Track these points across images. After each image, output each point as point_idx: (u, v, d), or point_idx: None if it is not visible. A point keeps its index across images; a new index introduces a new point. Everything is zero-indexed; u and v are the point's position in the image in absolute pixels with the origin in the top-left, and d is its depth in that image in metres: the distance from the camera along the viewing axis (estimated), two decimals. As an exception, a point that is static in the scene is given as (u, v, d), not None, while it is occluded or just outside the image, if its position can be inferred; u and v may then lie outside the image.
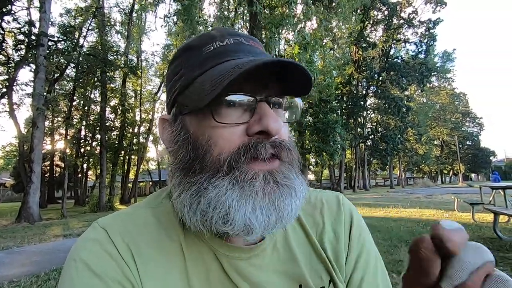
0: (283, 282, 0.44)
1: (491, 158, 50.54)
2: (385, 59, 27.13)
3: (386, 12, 26.84)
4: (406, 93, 28.92)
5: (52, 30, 16.72)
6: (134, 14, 19.12)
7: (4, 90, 13.14)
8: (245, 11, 11.10)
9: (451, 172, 52.15)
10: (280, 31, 10.61)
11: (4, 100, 13.86)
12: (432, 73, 29.39)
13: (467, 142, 48.77)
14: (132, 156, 20.97)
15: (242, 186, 0.36)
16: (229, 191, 0.36)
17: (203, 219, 0.37)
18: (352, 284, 0.48)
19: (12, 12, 11.93)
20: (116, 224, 0.43)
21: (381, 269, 0.51)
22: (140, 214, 0.45)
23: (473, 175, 52.47)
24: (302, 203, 0.40)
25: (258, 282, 0.43)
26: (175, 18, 11.29)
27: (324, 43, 17.21)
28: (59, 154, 22.91)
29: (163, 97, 24.37)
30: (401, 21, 27.57)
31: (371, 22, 27.41)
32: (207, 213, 0.37)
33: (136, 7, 18.79)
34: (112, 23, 18.61)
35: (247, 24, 12.73)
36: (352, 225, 0.51)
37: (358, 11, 17.33)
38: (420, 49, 27.28)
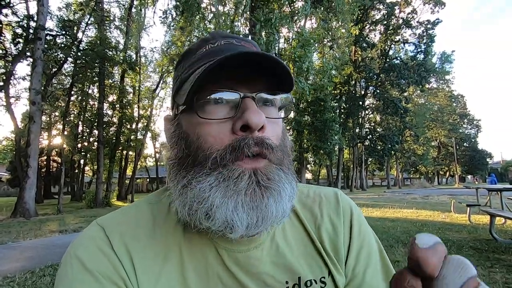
0: (282, 274, 0.45)
1: (488, 160, 50.77)
2: (384, 60, 27.16)
3: (384, 12, 26.84)
4: (405, 94, 28.97)
5: (51, 24, 16.64)
6: (133, 10, 18.98)
7: (1, 84, 13.01)
8: (246, 9, 11.03)
9: (447, 174, 52.42)
10: (276, 27, 10.57)
11: (1, 94, 13.73)
12: (431, 74, 29.45)
13: (464, 144, 48.95)
14: (130, 153, 20.90)
15: (227, 185, 0.37)
16: (213, 188, 0.37)
17: (189, 212, 0.39)
18: (355, 277, 0.48)
19: (11, 5, 11.80)
20: (114, 222, 0.44)
21: (384, 262, 0.52)
22: (139, 210, 0.47)
23: (469, 176, 52.81)
24: (288, 205, 0.40)
25: (257, 273, 0.44)
26: (173, 13, 11.21)
27: (322, 42, 17.17)
28: (56, 150, 22.80)
29: (162, 93, 24.30)
30: (400, 21, 27.60)
31: (370, 22, 27.42)
32: (192, 207, 0.38)
33: (136, 2, 18.68)
34: (111, 18, 18.45)
35: (247, 23, 12.69)
36: (353, 220, 0.52)
37: (357, 12, 17.34)
38: (419, 50, 27.33)
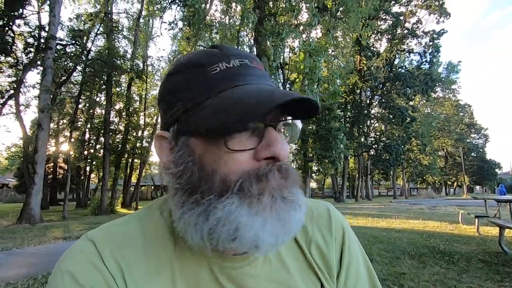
0: None
1: (497, 170, 49.86)
2: (389, 69, 27.20)
3: (390, 22, 27.03)
4: (411, 103, 28.82)
5: (61, 34, 17.07)
6: (141, 20, 19.43)
7: (12, 91, 13.32)
8: (251, 20, 11.19)
9: (455, 184, 51.54)
10: (284, 39, 10.69)
11: (11, 102, 14.04)
12: (437, 84, 29.35)
13: (472, 154, 48.25)
14: (135, 160, 21.05)
15: (250, 202, 0.36)
16: (238, 209, 0.36)
17: (210, 237, 0.37)
18: None
19: (23, 16, 12.18)
20: (105, 237, 0.43)
21: (372, 279, 0.53)
22: (129, 226, 0.46)
23: (477, 187, 51.76)
24: (303, 216, 0.41)
25: None
26: (180, 24, 11.43)
27: (329, 51, 17.28)
28: (63, 156, 23.06)
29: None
30: (405, 31, 27.74)
31: (376, 31, 27.61)
32: (215, 231, 0.37)
33: (144, 13, 19.14)
34: (120, 28, 18.90)
35: (253, 32, 12.87)
36: (345, 236, 0.53)
37: (364, 20, 17.45)
38: (424, 60, 27.36)
